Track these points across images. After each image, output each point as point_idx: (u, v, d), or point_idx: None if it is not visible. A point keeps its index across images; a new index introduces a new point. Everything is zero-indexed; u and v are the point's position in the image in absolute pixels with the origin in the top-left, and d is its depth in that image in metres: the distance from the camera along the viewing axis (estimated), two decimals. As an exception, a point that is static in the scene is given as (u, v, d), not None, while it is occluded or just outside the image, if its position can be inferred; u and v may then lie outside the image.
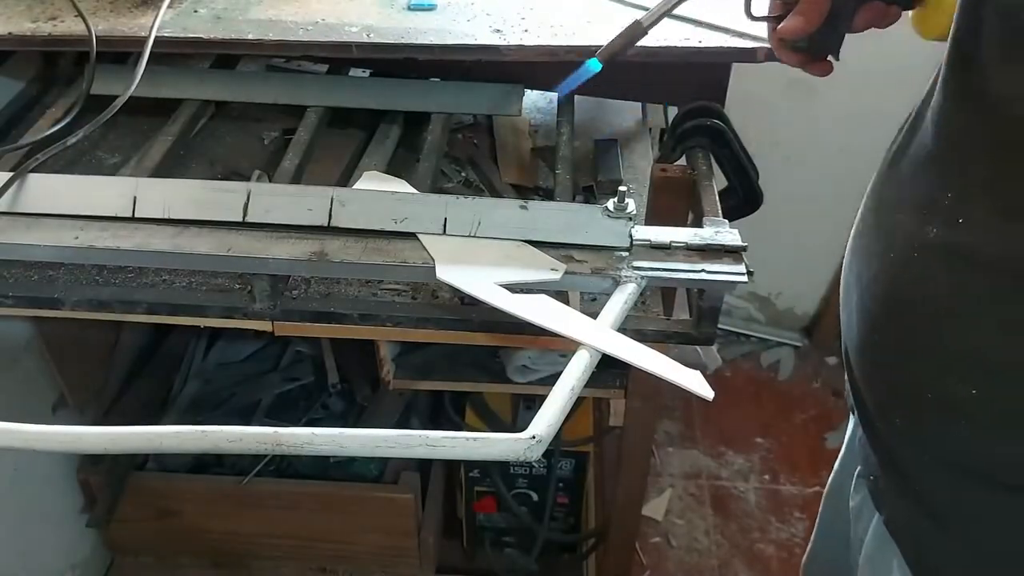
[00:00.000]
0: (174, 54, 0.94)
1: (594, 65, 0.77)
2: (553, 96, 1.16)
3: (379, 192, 0.84)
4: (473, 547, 1.61)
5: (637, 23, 0.76)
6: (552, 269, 0.75)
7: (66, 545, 1.49)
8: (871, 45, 0.80)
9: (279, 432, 0.59)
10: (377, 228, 0.79)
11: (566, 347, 1.00)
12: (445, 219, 0.79)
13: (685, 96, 0.96)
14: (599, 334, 0.68)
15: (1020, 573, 0.63)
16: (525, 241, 0.78)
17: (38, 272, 0.91)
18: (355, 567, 1.57)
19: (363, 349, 1.36)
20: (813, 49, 0.76)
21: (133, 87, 0.90)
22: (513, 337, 0.91)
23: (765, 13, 0.77)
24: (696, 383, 0.65)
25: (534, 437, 0.58)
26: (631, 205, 0.79)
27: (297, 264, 0.78)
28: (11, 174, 0.83)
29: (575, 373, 0.63)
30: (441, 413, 1.56)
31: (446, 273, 0.74)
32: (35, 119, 1.05)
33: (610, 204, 0.79)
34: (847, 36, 0.75)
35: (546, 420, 0.60)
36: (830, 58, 0.77)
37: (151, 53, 0.92)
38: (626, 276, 0.75)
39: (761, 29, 0.82)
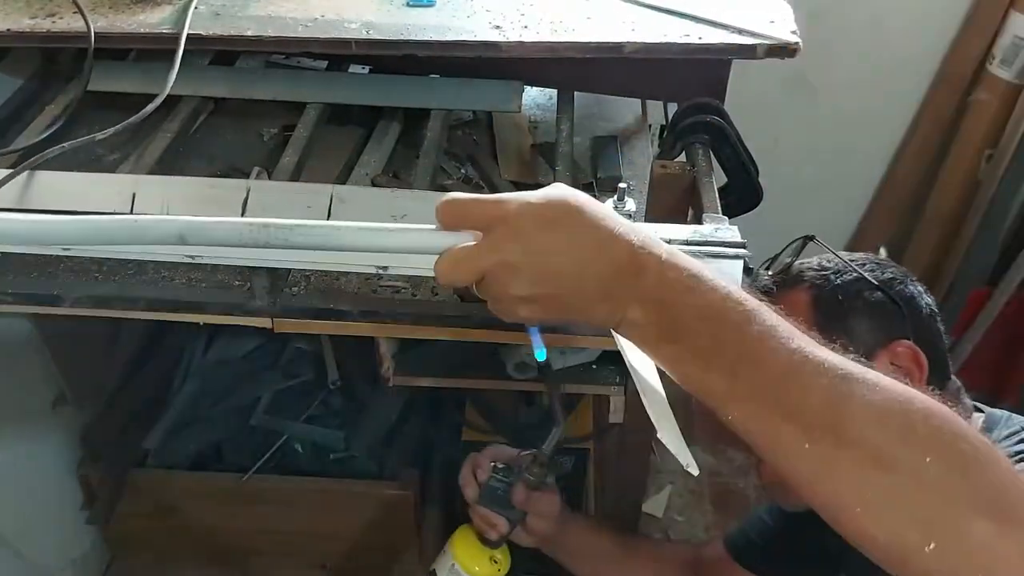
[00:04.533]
0: (173, 50, 0.94)
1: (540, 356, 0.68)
2: (553, 92, 1.15)
3: (378, 189, 0.84)
4: (473, 544, 1.60)
5: None
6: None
7: (66, 542, 1.49)
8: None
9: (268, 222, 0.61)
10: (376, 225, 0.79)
11: (565, 345, 1.00)
12: (445, 215, 0.79)
13: (685, 93, 0.96)
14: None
15: None
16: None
17: (38, 269, 0.91)
18: (355, 564, 1.57)
19: (363, 346, 1.36)
20: None
21: (169, 86, 0.90)
22: (513, 334, 0.91)
23: None
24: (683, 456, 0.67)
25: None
26: (631, 203, 0.79)
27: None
28: (10, 171, 0.83)
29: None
30: (441, 410, 1.56)
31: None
32: (34, 116, 1.05)
33: (610, 202, 0.79)
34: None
35: None
36: None
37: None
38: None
39: (761, 26, 0.81)
